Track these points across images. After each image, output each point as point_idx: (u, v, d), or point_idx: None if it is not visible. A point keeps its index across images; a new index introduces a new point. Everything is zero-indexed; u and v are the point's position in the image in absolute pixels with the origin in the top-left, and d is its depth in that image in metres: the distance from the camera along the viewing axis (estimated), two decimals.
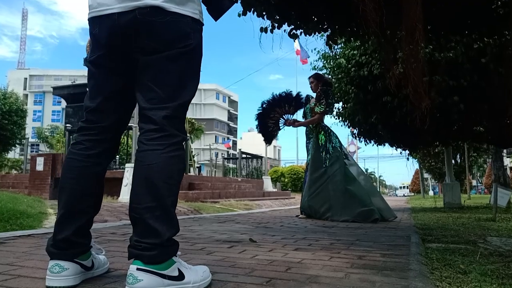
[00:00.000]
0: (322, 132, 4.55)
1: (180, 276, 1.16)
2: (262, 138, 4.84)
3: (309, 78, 4.79)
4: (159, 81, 1.19)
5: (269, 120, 4.75)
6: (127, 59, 1.24)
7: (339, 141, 4.58)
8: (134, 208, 1.15)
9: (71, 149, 1.31)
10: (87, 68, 1.38)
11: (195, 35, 1.23)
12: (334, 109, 7.48)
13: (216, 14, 1.40)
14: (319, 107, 4.56)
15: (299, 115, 4.95)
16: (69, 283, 1.19)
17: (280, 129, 4.77)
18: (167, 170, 1.16)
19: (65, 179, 1.27)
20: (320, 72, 7.53)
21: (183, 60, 1.21)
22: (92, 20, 1.25)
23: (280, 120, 4.75)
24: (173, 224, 1.16)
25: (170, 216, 1.16)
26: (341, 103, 8.33)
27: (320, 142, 4.52)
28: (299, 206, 5.10)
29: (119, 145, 1.40)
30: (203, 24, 1.29)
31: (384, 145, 9.03)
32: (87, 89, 1.33)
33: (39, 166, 8.58)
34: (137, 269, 1.10)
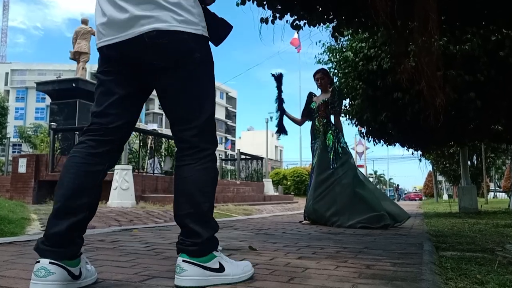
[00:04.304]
0: (331, 131, 4.56)
1: (221, 269, 1.41)
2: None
3: (317, 73, 4.77)
4: (180, 104, 1.41)
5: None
6: (136, 74, 1.42)
7: (345, 141, 4.60)
8: (177, 215, 1.42)
9: (74, 148, 1.43)
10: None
11: (201, 48, 1.41)
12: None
13: (216, 41, 1.55)
14: (338, 108, 4.66)
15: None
16: None
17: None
18: (201, 181, 1.41)
19: (64, 174, 1.37)
20: (326, 67, 7.55)
21: (195, 77, 1.40)
22: (101, 48, 1.43)
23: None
24: (210, 226, 1.42)
25: (207, 220, 1.42)
26: (348, 100, 8.32)
27: (327, 142, 4.52)
28: (302, 211, 5.10)
29: (122, 150, 1.54)
30: (209, 39, 1.47)
31: (395, 145, 9.04)
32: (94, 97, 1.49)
33: (22, 168, 8.58)
34: (183, 261, 1.36)
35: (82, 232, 1.36)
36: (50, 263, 1.22)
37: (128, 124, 1.47)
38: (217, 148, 1.55)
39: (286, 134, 4.85)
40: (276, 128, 4.82)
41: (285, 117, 4.81)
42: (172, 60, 1.35)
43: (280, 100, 4.72)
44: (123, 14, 1.34)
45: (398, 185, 48.68)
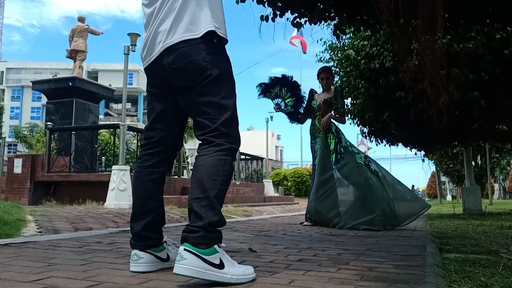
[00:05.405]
0: (331, 131, 4.56)
1: (221, 265, 1.44)
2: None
3: (322, 73, 4.75)
4: (202, 114, 1.59)
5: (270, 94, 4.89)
6: (168, 90, 1.68)
7: (347, 140, 4.60)
8: (188, 201, 1.53)
9: (137, 164, 1.82)
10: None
11: (212, 63, 1.57)
12: None
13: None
14: (342, 109, 4.71)
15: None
16: (143, 269, 1.63)
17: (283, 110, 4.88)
18: (212, 169, 1.53)
19: (133, 187, 1.78)
20: (327, 65, 7.55)
21: (211, 90, 1.57)
22: (144, 69, 1.76)
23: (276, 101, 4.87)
24: (216, 213, 1.49)
25: (213, 206, 1.49)
26: (350, 99, 8.32)
27: (328, 141, 4.52)
28: (303, 212, 5.10)
29: (174, 156, 1.82)
30: (224, 42, 1.64)
31: (397, 145, 9.03)
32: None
33: (17, 169, 8.58)
34: (184, 249, 1.42)
35: (158, 225, 1.73)
36: (140, 250, 1.64)
37: (173, 135, 1.77)
38: None
39: (301, 122, 5.01)
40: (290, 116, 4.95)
41: (285, 115, 4.88)
42: (187, 81, 1.57)
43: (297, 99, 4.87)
44: (148, 39, 1.64)
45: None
